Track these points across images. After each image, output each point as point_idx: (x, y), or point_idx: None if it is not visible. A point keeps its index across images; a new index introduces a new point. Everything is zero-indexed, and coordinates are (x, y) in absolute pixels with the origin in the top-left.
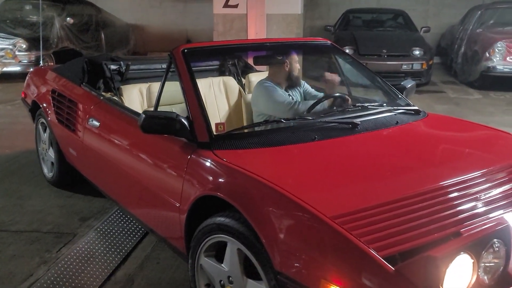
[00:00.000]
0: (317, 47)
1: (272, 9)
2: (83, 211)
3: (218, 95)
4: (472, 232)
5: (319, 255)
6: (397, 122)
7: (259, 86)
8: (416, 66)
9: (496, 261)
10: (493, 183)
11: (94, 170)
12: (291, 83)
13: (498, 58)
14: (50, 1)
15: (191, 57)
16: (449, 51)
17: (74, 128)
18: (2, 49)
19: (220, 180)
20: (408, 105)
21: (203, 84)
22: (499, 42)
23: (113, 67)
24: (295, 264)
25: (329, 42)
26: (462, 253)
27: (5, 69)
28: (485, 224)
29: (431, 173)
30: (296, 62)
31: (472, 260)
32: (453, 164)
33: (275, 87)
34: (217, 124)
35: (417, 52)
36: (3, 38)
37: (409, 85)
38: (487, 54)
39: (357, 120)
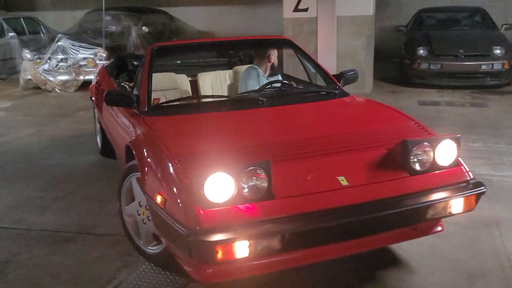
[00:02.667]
0: (278, 43)
1: (343, 11)
2: None
3: (223, 85)
4: (235, 160)
5: (158, 176)
6: (309, 100)
7: (248, 69)
8: (497, 66)
9: (258, 182)
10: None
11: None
12: (272, 72)
13: None
14: (128, 11)
15: (158, 53)
16: None
17: (101, 109)
18: (85, 58)
19: (134, 134)
20: (337, 89)
21: (211, 76)
22: None
23: (135, 63)
24: (149, 184)
25: (287, 38)
26: (219, 172)
27: (87, 77)
28: (254, 157)
29: (288, 134)
30: (275, 56)
31: (232, 178)
32: (318, 128)
33: (258, 73)
34: (154, 99)
35: (497, 51)
36: (85, 48)
37: (347, 74)
38: None
39: (263, 98)
